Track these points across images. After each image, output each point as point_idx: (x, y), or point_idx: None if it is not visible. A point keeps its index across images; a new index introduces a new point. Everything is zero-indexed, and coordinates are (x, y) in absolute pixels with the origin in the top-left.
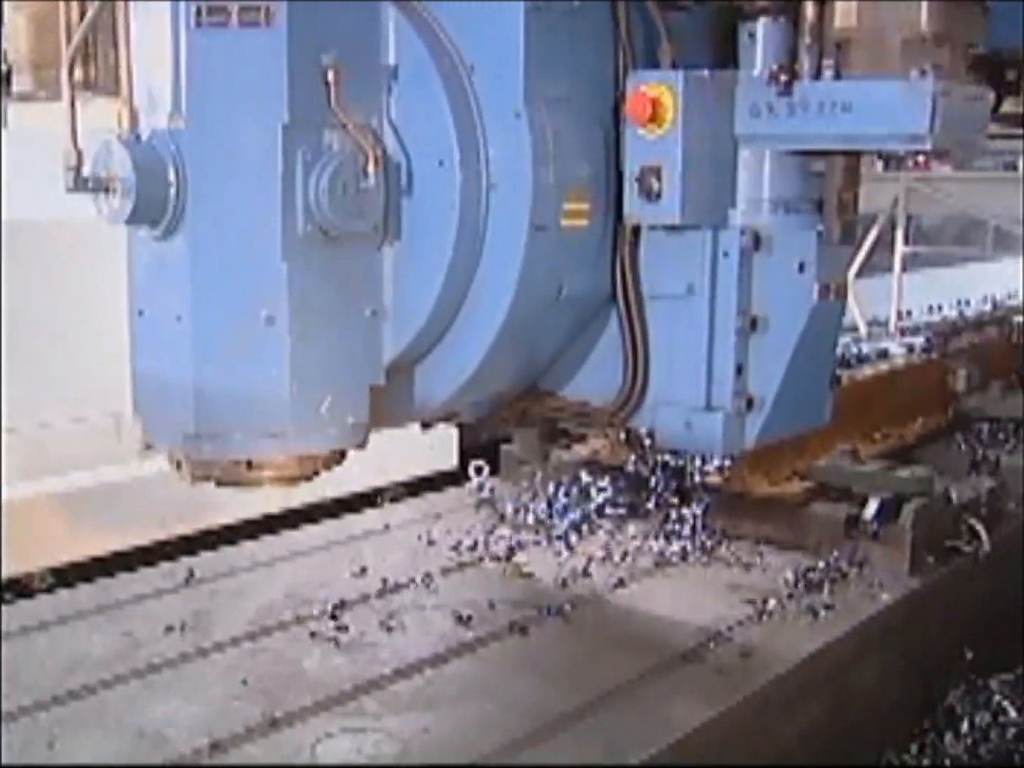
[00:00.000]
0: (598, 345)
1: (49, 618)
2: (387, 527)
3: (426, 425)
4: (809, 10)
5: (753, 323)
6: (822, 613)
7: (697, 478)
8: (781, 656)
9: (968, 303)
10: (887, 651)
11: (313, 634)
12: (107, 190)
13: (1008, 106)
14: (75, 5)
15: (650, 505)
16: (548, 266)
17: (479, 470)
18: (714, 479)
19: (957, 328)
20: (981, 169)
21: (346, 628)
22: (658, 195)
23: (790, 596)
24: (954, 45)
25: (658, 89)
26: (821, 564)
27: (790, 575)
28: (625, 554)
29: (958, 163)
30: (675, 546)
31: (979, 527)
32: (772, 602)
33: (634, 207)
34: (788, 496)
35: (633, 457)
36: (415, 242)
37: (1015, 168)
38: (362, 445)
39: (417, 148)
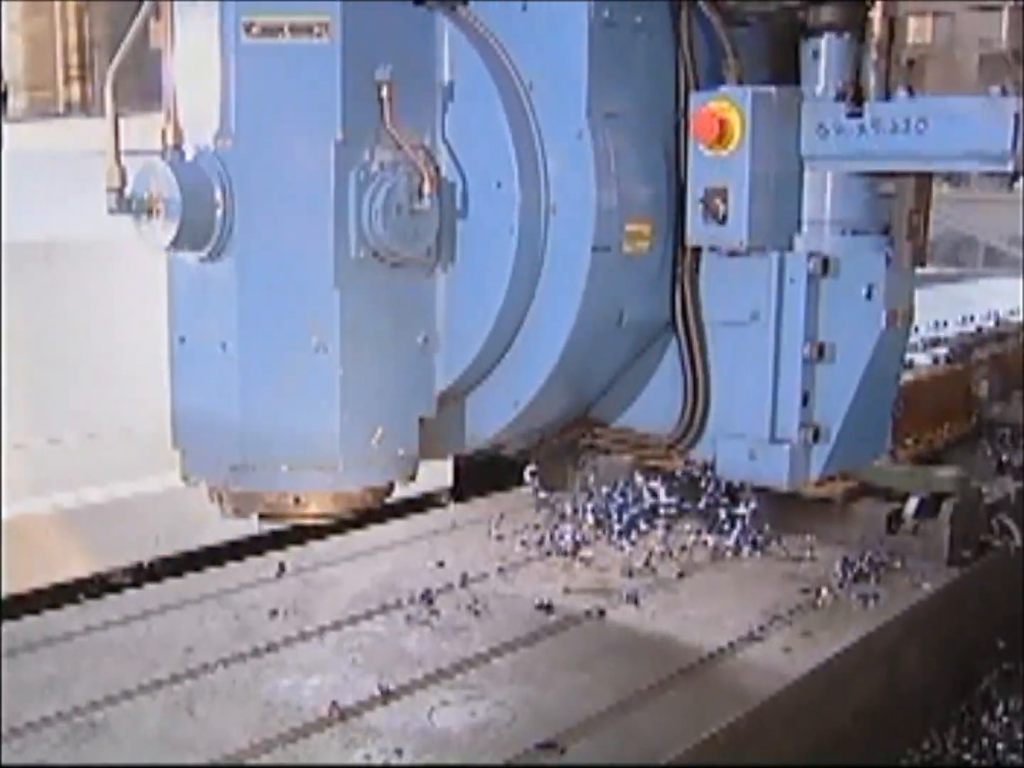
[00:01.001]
0: (656, 373)
1: (154, 607)
2: (455, 524)
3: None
4: (876, 26)
5: (820, 351)
6: (871, 601)
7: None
8: (839, 637)
9: (972, 318)
10: (930, 636)
11: (408, 617)
12: (150, 212)
13: None
14: (73, 27)
15: (701, 505)
16: (610, 292)
17: (533, 474)
18: None
19: (978, 340)
20: (974, 188)
21: (437, 613)
22: (724, 217)
23: (840, 585)
24: None
25: (725, 107)
26: (867, 557)
27: (839, 567)
28: (683, 548)
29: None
30: (729, 541)
31: (1011, 524)
32: (825, 591)
33: (698, 230)
34: (833, 495)
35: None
36: (470, 267)
37: (1010, 188)
38: (412, 478)
39: (473, 168)
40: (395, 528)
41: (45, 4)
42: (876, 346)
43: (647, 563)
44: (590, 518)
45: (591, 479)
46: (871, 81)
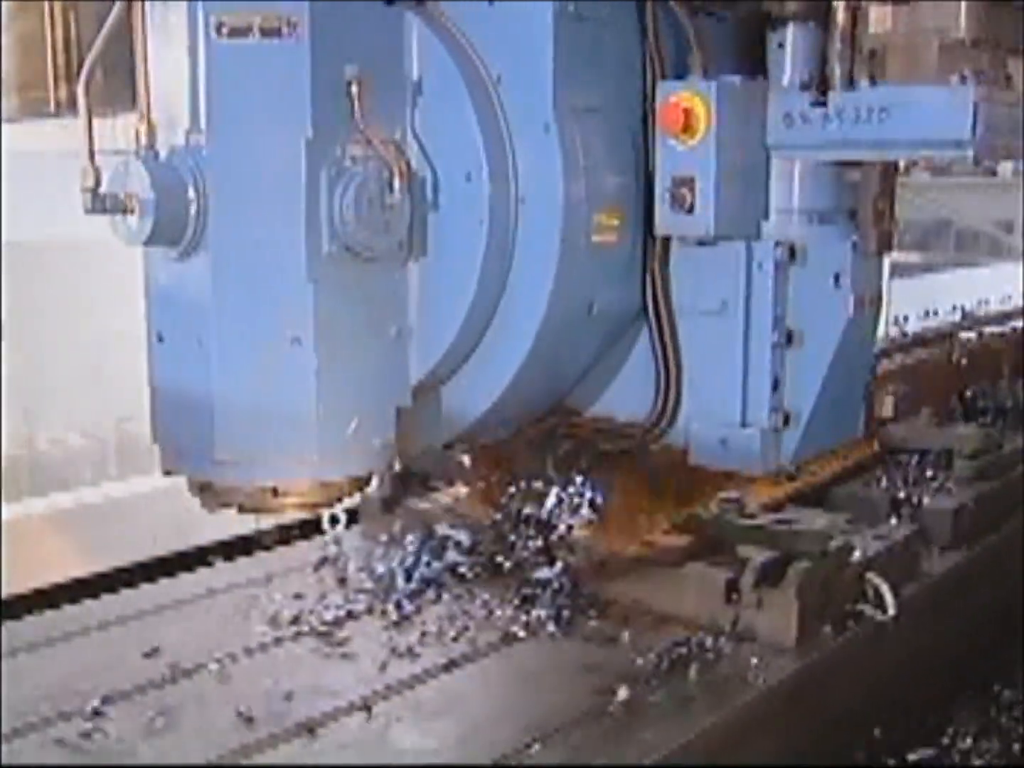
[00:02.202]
0: (628, 362)
1: None
2: (210, 591)
3: (448, 446)
4: (840, 16)
5: (788, 337)
6: (680, 704)
7: (564, 532)
8: None
9: (935, 313)
10: (765, 741)
11: (59, 741)
12: (125, 210)
13: None
14: (60, 27)
15: (509, 564)
16: (579, 282)
17: (334, 520)
18: (583, 533)
19: (890, 348)
20: (957, 175)
21: (103, 731)
22: (691, 207)
23: (649, 680)
24: (993, 50)
25: (690, 98)
26: (695, 638)
27: (656, 652)
28: (466, 628)
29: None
30: (532, 615)
31: (883, 587)
32: (624, 690)
33: (666, 220)
34: (664, 555)
35: (494, 508)
36: (442, 259)
37: (993, 174)
38: (390, 468)
39: (443, 162)
40: (137, 594)
41: (34, 4)
42: (844, 332)
43: (411, 650)
44: (369, 582)
45: (396, 527)
46: (836, 71)
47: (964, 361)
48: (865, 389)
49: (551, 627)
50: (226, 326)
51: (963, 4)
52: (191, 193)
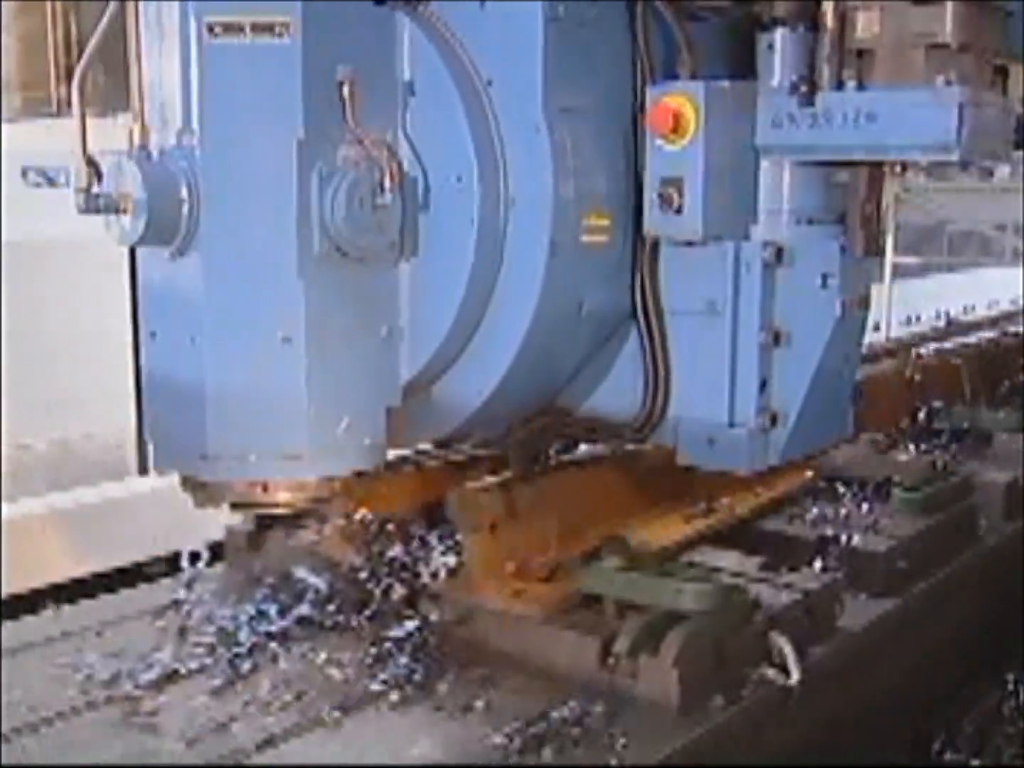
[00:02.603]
0: (618, 361)
1: None
2: (26, 645)
3: (441, 444)
4: (829, 19)
5: (776, 338)
6: None
7: (428, 579)
8: None
9: (918, 319)
10: None
11: None
12: (118, 210)
13: None
14: (61, 27)
15: (366, 615)
16: (568, 282)
17: (194, 558)
18: (449, 584)
19: None
20: (955, 179)
21: None
22: (679, 208)
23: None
24: (979, 53)
25: (679, 100)
26: (561, 712)
27: (512, 727)
28: (302, 694)
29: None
30: (381, 677)
31: (786, 648)
32: None
33: (655, 221)
34: (537, 609)
35: (355, 550)
36: (432, 259)
37: (990, 175)
38: (379, 467)
39: (434, 163)
40: None
41: (36, 4)
42: (832, 333)
43: (230, 721)
44: (209, 635)
45: (258, 567)
46: (824, 73)
47: (918, 377)
48: (853, 390)
49: (397, 694)
50: (218, 325)
51: (949, 8)
52: (183, 193)
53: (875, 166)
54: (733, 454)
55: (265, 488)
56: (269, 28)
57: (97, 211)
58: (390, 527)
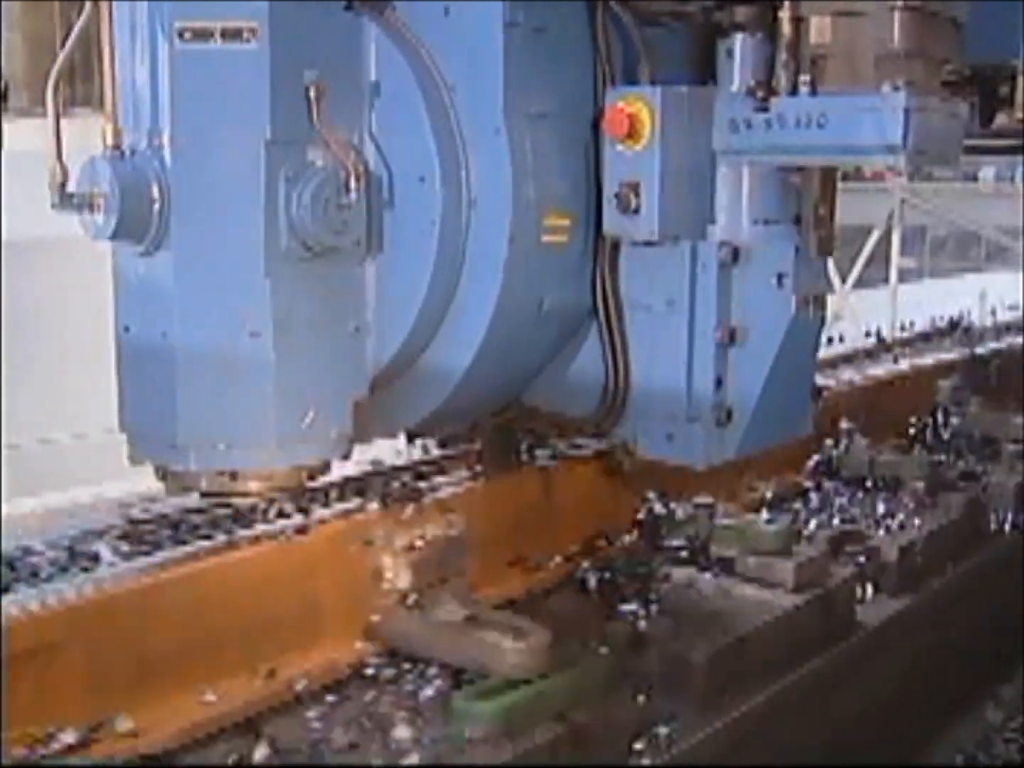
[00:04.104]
0: (581, 358)
1: None
2: None
3: (412, 437)
4: (786, 26)
5: (732, 335)
6: None
7: None
8: None
9: (912, 325)
10: None
11: None
12: (91, 207)
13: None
14: (67, 26)
15: None
16: (529, 280)
17: None
18: None
19: None
20: (937, 180)
21: None
22: (636, 210)
23: None
24: (927, 61)
25: (635, 105)
26: None
27: None
28: None
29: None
30: None
31: None
32: None
33: (613, 222)
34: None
35: None
36: (397, 257)
37: (975, 179)
38: (346, 457)
39: (398, 164)
40: None
41: (42, 4)
42: (787, 331)
43: None
44: None
45: None
46: (781, 79)
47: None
48: (812, 389)
49: None
50: (188, 319)
51: (896, 17)
52: (154, 192)
53: (827, 168)
54: (690, 449)
55: (234, 477)
56: (237, 33)
57: (70, 208)
58: None
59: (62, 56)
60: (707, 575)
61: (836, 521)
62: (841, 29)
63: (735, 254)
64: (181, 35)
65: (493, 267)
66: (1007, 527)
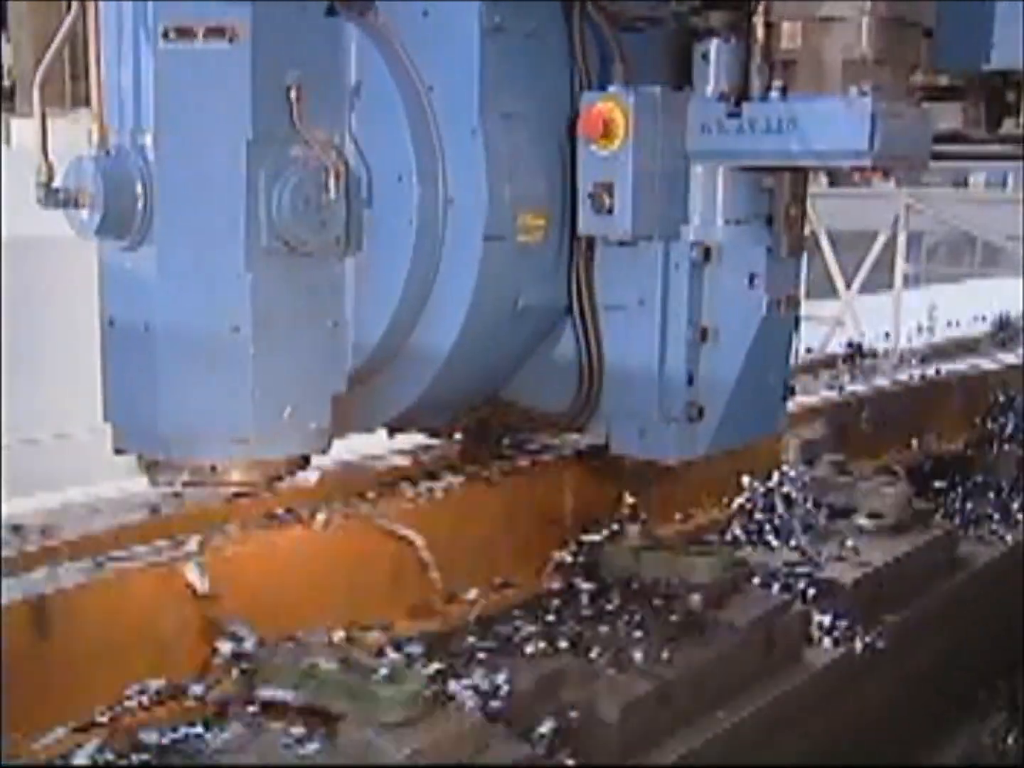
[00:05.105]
0: (556, 355)
1: None
2: None
3: (392, 432)
4: (759, 31)
5: (704, 334)
6: None
7: None
8: None
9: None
10: None
11: None
12: (77, 204)
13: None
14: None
15: None
16: (504, 278)
17: None
18: None
19: None
20: (925, 185)
21: None
22: (610, 210)
23: None
24: (895, 66)
25: (609, 107)
26: None
27: None
28: None
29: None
30: None
31: None
32: None
33: (588, 221)
34: None
35: None
36: (375, 254)
37: (965, 184)
38: (324, 451)
39: (377, 163)
40: None
41: (51, 3)
42: (759, 330)
43: None
44: None
45: None
46: (755, 83)
47: None
48: (784, 387)
49: None
50: (170, 313)
51: (864, 23)
52: (138, 189)
53: (798, 171)
54: (662, 445)
55: (214, 468)
56: (220, 33)
57: (56, 205)
58: None
59: (48, 55)
60: None
61: None
62: (811, 35)
63: (707, 253)
64: (165, 35)
65: (468, 265)
66: None
